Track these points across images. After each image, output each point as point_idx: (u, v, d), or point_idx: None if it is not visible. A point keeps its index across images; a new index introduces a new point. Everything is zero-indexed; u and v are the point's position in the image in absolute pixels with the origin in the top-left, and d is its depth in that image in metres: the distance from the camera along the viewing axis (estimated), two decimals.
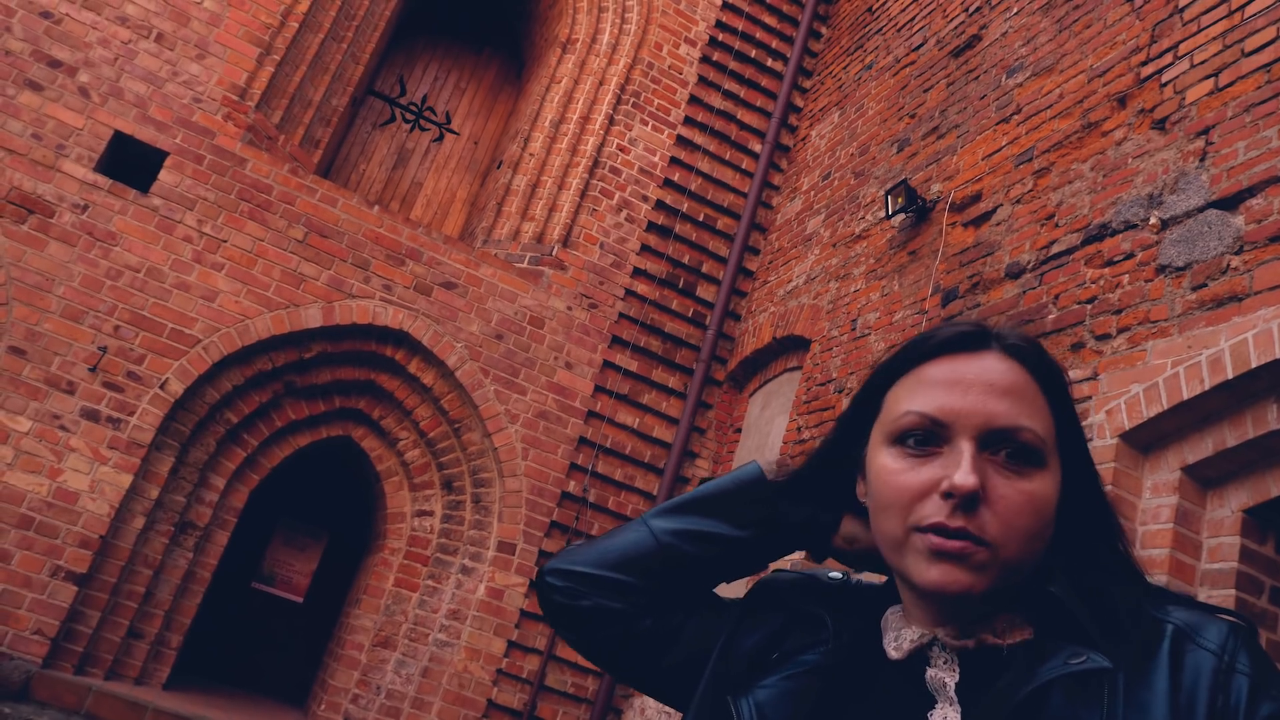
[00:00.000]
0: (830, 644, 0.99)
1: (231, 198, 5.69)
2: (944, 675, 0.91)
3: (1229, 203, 3.20)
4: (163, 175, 5.57)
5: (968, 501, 0.85)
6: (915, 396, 0.93)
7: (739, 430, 6.50)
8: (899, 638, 0.96)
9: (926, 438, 0.91)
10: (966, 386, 0.91)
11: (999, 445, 0.88)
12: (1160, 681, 0.82)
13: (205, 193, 5.63)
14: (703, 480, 1.08)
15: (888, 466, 0.93)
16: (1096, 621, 0.87)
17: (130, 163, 5.61)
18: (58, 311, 5.19)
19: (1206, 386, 2.98)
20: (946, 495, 0.86)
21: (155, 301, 5.40)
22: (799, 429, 5.50)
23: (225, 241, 5.62)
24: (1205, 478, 3.10)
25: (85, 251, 5.30)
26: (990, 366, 0.92)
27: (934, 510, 0.87)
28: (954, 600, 0.88)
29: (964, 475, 0.85)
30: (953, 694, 0.89)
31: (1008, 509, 0.86)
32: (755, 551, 1.11)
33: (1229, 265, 3.09)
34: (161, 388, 5.32)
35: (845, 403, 5.15)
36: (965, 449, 0.88)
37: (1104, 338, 3.50)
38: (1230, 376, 2.92)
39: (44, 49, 5.45)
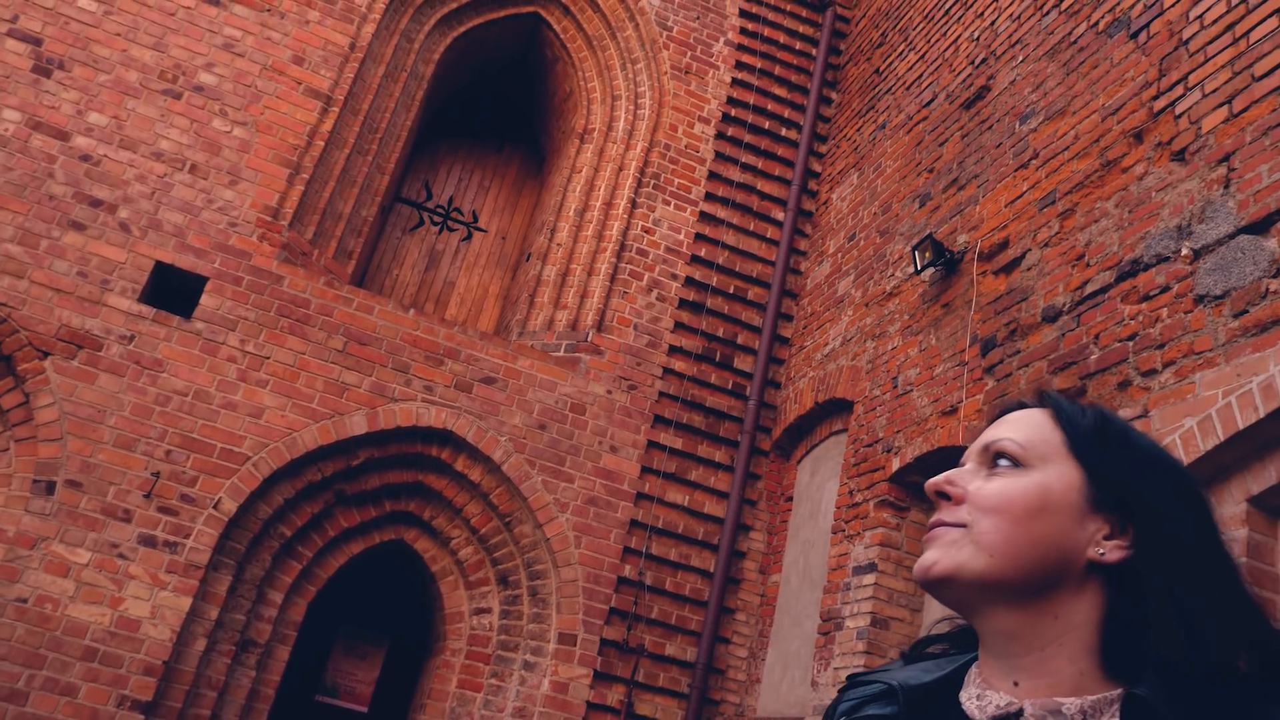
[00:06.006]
0: (901, 706, 0.94)
1: (271, 315, 5.83)
2: None
3: (1259, 226, 3.16)
4: (204, 300, 5.73)
5: (941, 498, 0.96)
6: None
7: (790, 499, 6.43)
8: (982, 698, 0.90)
9: None
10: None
11: (991, 462, 0.97)
12: None
13: (245, 313, 5.78)
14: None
15: None
16: None
17: (172, 291, 5.79)
18: (110, 441, 5.31)
19: (1261, 414, 2.91)
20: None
21: (204, 423, 5.50)
22: (850, 492, 5.43)
23: (268, 358, 5.74)
24: (1273, 507, 3.01)
25: (134, 381, 5.44)
26: (1006, 418, 1.02)
27: None
28: (958, 597, 0.92)
29: (932, 480, 0.98)
30: None
31: (976, 497, 0.94)
32: None
33: (1268, 289, 3.04)
34: (215, 507, 5.39)
35: (894, 461, 5.07)
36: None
37: (1150, 373, 3.44)
38: None
39: (85, 190, 5.68)
